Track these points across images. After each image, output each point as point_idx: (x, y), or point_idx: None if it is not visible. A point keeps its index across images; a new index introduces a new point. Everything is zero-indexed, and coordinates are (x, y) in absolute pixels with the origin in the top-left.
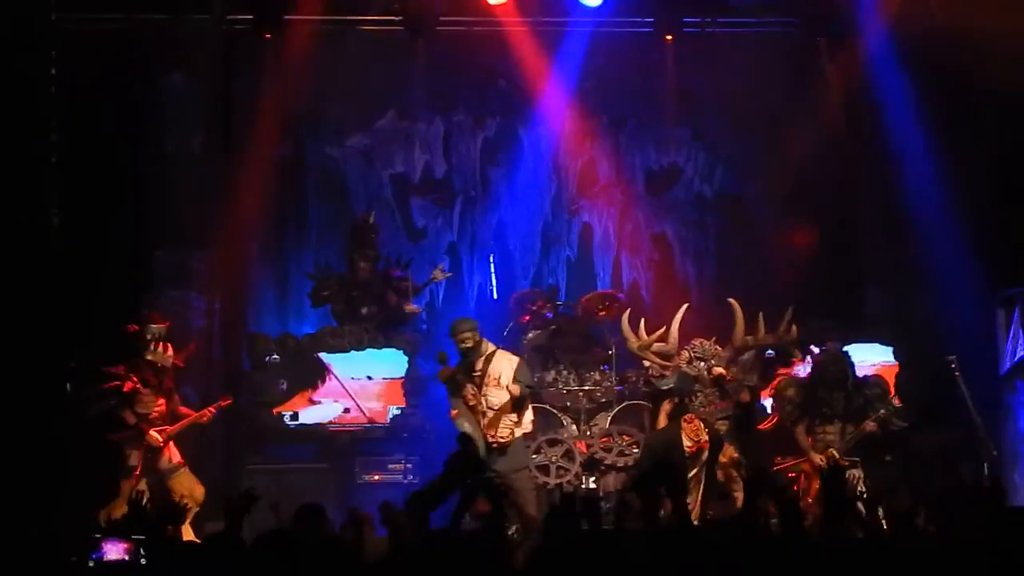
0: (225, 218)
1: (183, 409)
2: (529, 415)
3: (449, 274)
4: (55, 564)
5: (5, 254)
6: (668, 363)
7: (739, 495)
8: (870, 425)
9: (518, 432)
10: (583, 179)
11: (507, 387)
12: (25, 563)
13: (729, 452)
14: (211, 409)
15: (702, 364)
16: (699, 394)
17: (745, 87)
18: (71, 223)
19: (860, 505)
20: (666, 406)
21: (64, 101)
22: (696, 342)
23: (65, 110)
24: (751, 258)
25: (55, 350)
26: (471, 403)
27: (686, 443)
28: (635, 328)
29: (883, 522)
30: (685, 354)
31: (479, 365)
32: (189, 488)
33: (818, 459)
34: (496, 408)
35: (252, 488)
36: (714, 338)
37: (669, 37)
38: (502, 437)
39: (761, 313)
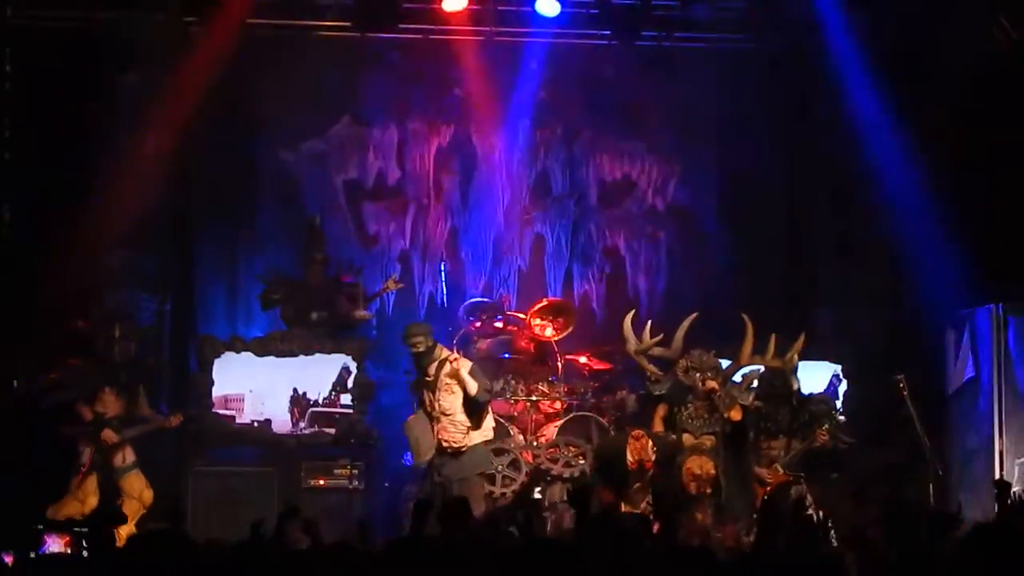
0: (176, 219)
1: (147, 411)
2: (490, 421)
3: (401, 284)
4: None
5: None
6: (660, 372)
7: (705, 512)
8: (821, 437)
9: (476, 437)
10: (536, 189)
11: (464, 387)
12: None
13: (706, 467)
14: (179, 417)
15: (697, 375)
16: (689, 405)
17: (699, 101)
18: (22, 220)
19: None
20: (660, 411)
21: (18, 98)
22: (696, 352)
23: (19, 107)
24: (702, 272)
25: (4, 345)
26: (428, 408)
27: (628, 458)
28: (638, 332)
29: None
30: (683, 363)
31: (431, 370)
32: (139, 490)
33: (765, 474)
34: (448, 412)
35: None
36: (714, 351)
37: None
38: (455, 441)
39: (774, 336)
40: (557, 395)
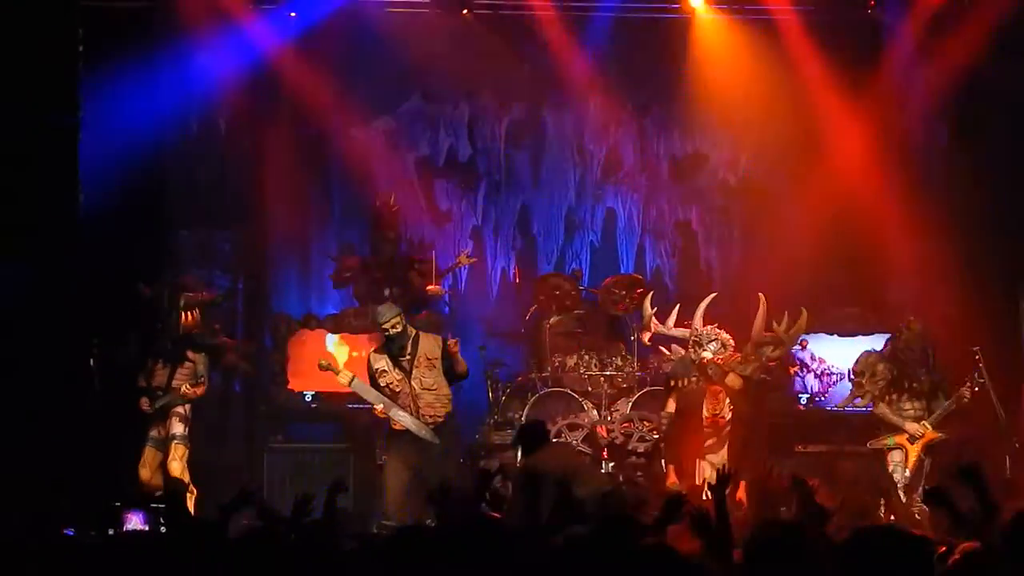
0: (249, 198)
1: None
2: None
3: (474, 259)
4: (78, 535)
5: (31, 232)
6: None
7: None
8: (966, 395)
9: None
10: (607, 164)
11: (438, 367)
12: (47, 535)
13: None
14: (201, 388)
15: (699, 348)
16: (694, 378)
17: (771, 75)
18: (97, 200)
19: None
20: (674, 392)
21: (91, 79)
22: (702, 328)
23: (92, 88)
24: (775, 246)
25: (79, 327)
26: (397, 389)
27: (704, 413)
28: (664, 315)
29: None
30: (691, 339)
31: (408, 348)
32: (170, 457)
33: (917, 428)
34: (432, 388)
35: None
36: (715, 324)
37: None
38: (439, 417)
39: (786, 313)
40: (630, 369)
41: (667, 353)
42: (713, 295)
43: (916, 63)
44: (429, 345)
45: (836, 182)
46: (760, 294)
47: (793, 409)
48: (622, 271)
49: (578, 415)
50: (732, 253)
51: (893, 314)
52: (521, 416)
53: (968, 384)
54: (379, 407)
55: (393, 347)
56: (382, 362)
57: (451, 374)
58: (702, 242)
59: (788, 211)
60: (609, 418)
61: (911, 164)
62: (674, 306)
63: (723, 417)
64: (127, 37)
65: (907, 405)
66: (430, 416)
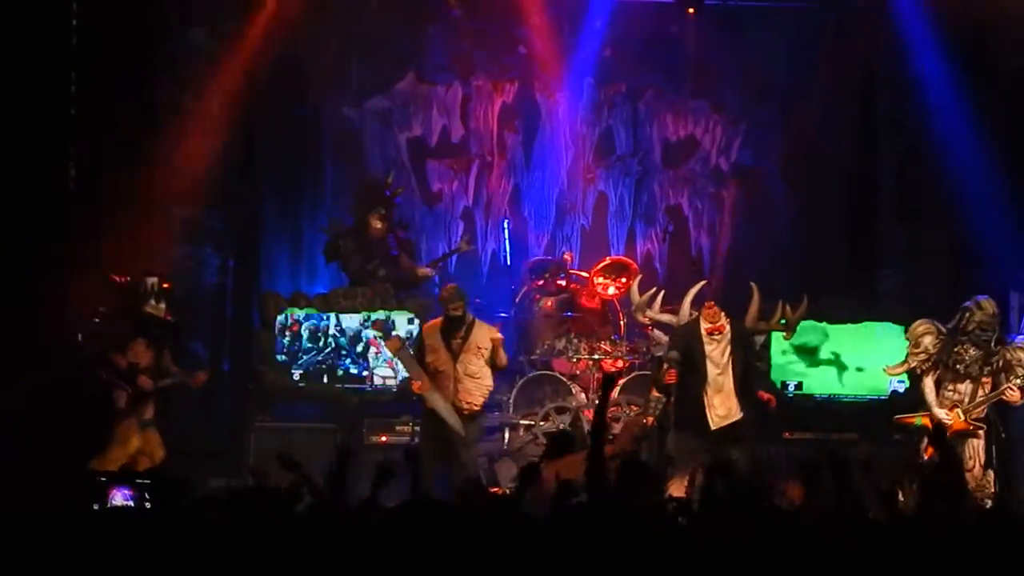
0: (241, 176)
1: (174, 368)
2: None
3: (472, 246)
4: (60, 511)
5: (22, 205)
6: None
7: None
8: (1010, 393)
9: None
10: (600, 148)
11: (486, 357)
12: (32, 511)
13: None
14: (205, 375)
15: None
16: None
17: (764, 62)
18: (88, 175)
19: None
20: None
21: (83, 53)
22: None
23: (84, 63)
24: (766, 233)
25: (68, 301)
26: (440, 369)
27: (704, 326)
28: (650, 301)
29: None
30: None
31: (461, 333)
32: (152, 447)
33: (943, 415)
34: (475, 376)
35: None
36: (722, 311)
37: (691, 10)
38: (476, 405)
39: (781, 302)
40: (619, 354)
41: (655, 337)
42: (703, 283)
43: (908, 52)
44: (482, 334)
45: (827, 168)
46: (753, 284)
47: (780, 396)
48: (612, 255)
49: (566, 399)
50: (723, 239)
51: (884, 301)
52: (509, 399)
53: (1018, 382)
54: (418, 383)
55: (451, 328)
56: (435, 339)
57: (493, 364)
58: (693, 227)
59: (779, 198)
60: (597, 402)
61: (903, 151)
62: (662, 292)
63: (723, 325)
64: (121, 13)
65: (951, 387)
66: (466, 403)
